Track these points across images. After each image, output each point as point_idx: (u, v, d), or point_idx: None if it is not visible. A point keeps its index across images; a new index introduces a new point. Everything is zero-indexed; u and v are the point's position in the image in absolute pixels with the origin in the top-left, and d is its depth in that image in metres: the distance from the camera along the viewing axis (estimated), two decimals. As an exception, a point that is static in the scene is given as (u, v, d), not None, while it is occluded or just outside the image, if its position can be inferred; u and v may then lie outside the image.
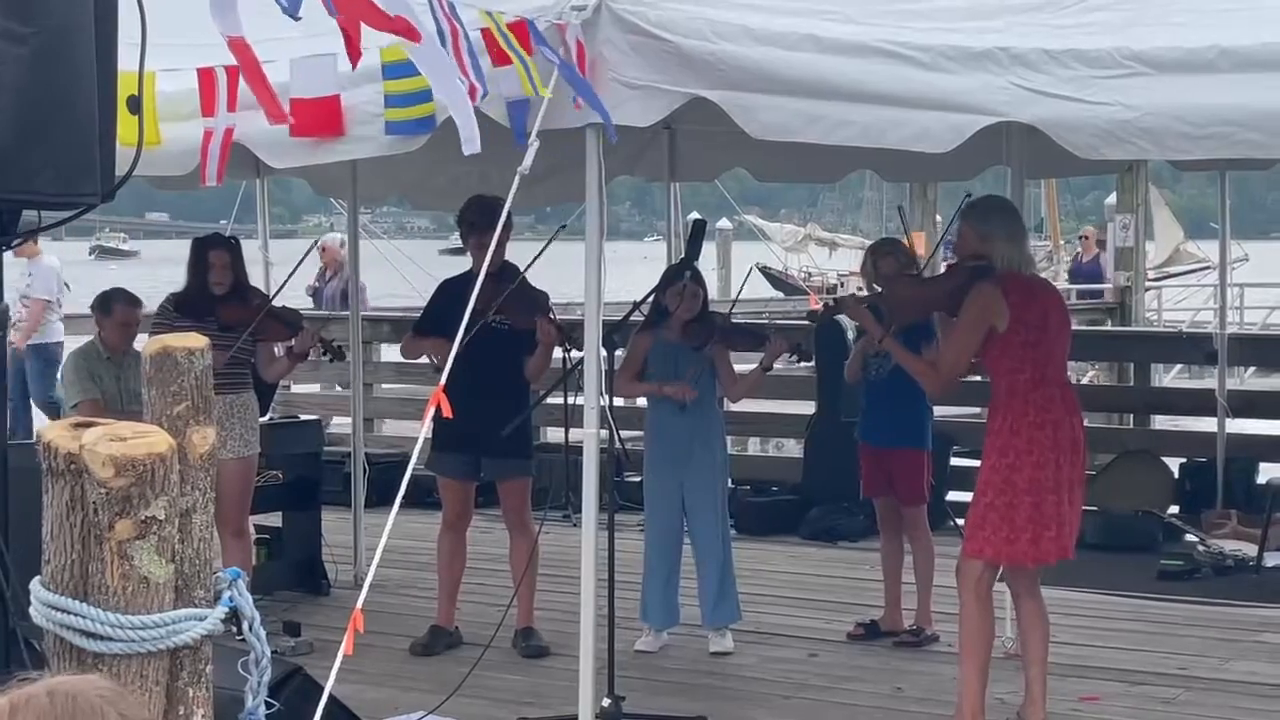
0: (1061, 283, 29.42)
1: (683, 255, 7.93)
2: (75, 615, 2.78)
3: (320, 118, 5.91)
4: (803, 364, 8.42)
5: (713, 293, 8.67)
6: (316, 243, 13.07)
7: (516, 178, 5.11)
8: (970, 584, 6.07)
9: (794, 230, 41.84)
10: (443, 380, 4.92)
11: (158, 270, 28.06)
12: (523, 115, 5.26)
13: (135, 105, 4.02)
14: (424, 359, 7.94)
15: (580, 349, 7.76)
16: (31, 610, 2.86)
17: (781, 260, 37.58)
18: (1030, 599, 6.23)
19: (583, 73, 5.20)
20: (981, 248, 6.15)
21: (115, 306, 7.91)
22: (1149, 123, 5.17)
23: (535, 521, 7.64)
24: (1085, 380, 17.10)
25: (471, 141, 5.11)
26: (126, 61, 3.85)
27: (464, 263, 7.89)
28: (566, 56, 5.19)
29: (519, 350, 7.46)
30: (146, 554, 2.76)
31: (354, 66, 5.34)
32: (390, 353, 13.19)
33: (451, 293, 7.69)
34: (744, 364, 8.08)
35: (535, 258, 7.34)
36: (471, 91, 5.11)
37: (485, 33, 5.17)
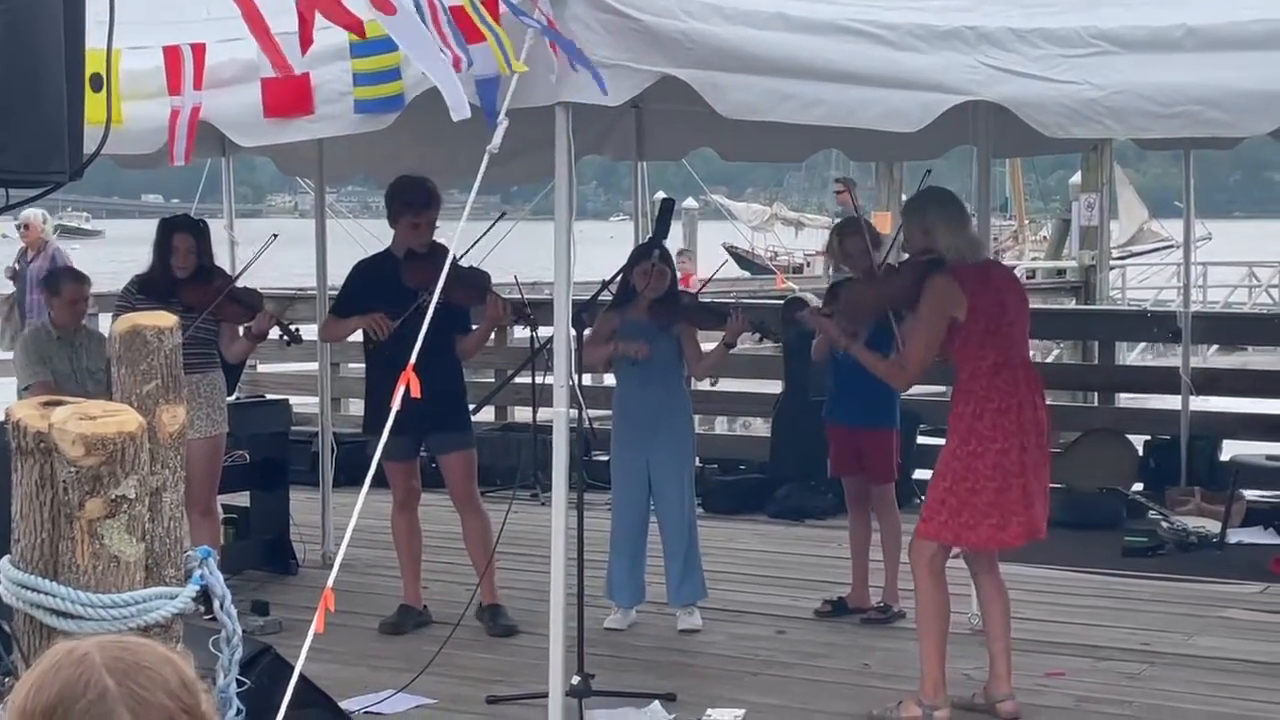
0: (1027, 261, 29.54)
1: (650, 234, 7.92)
2: (45, 594, 2.77)
3: (290, 96, 5.88)
4: (767, 342, 8.38)
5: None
6: (18, 221, 13.19)
7: (485, 156, 5.09)
8: (924, 561, 6.11)
9: (760, 210, 41.94)
10: (412, 359, 4.91)
11: (122, 250, 27.91)
12: (492, 94, 5.23)
13: (99, 83, 4.00)
14: (357, 335, 7.85)
15: (534, 325, 7.78)
16: (1, 589, 2.85)
17: (748, 239, 37.62)
18: (988, 575, 6.27)
19: (554, 50, 5.17)
20: (926, 242, 6.17)
21: (64, 285, 8.07)
22: (1116, 101, 5.18)
23: (504, 500, 7.64)
24: (1050, 359, 17.19)
25: (459, 108, 5.09)
26: (92, 39, 3.83)
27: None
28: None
29: (451, 327, 7.41)
30: (117, 533, 2.76)
31: (304, 52, 5.37)
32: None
33: (366, 274, 7.71)
34: (711, 343, 8.08)
35: (477, 240, 7.30)
36: (456, 62, 5.10)
37: (457, 10, 5.14)
